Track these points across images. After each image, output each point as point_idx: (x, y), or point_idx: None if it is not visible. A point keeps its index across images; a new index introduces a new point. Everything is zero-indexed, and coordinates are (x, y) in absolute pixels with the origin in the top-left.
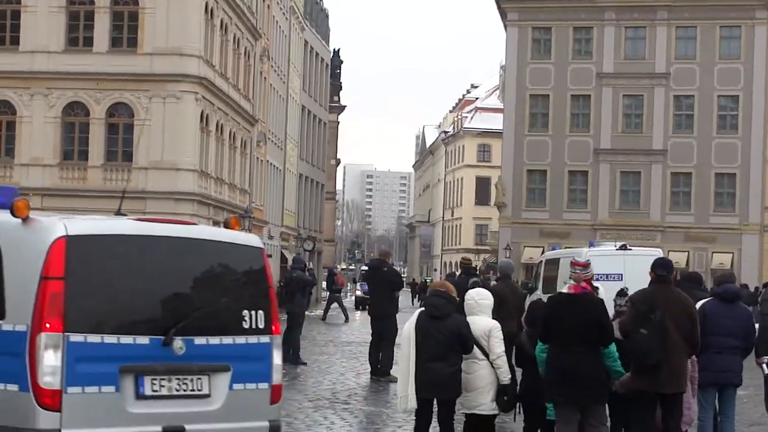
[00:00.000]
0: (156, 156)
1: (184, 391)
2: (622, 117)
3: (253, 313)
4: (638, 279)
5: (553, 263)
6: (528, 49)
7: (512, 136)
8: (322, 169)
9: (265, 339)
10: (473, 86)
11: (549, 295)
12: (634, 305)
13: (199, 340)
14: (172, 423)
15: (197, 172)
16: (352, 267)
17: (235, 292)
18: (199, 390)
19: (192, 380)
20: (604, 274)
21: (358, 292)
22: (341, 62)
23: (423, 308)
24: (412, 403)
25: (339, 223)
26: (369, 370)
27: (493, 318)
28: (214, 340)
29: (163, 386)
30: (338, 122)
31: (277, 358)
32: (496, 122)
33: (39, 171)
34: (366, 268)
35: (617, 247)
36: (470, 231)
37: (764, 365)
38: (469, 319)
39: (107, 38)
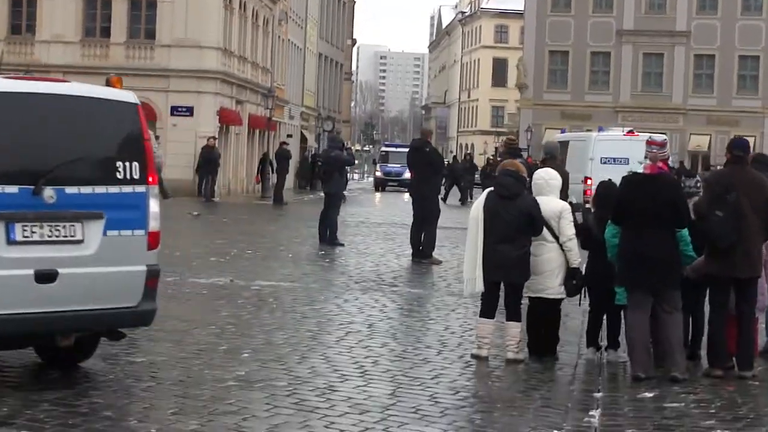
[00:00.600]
0: (180, 33)
1: (57, 237)
2: None
3: (127, 164)
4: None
5: (563, 146)
6: None
7: (534, 16)
8: (341, 49)
9: (140, 189)
10: None
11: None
12: (710, 186)
13: (71, 190)
14: (44, 266)
15: (221, 50)
16: (367, 148)
17: (108, 145)
18: (72, 236)
19: (64, 227)
20: (611, 158)
21: (378, 173)
22: None
23: (491, 188)
24: (480, 287)
25: (353, 104)
26: (410, 252)
27: None
28: (87, 190)
29: (34, 232)
30: (354, 1)
31: (153, 206)
32: (513, 2)
33: (60, 48)
34: (400, 149)
35: (624, 133)
36: (486, 113)
37: None
38: (538, 199)
39: None
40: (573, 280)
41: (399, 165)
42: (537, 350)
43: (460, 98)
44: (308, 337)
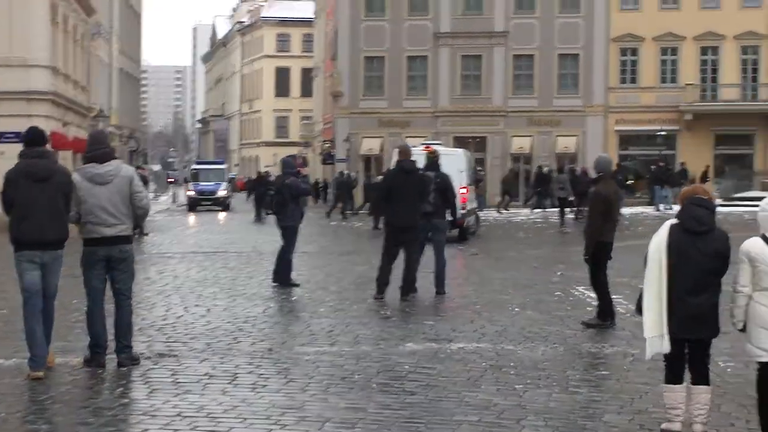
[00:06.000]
0: (4, 51)
1: None
2: None
3: None
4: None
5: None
6: None
7: (348, 21)
8: (138, 63)
9: None
10: None
11: None
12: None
13: None
14: None
15: (50, 68)
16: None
17: None
18: None
19: None
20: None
21: (191, 192)
22: None
23: (677, 220)
24: (666, 347)
25: None
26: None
27: (602, 227)
28: None
29: None
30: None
31: None
32: (295, 10)
33: None
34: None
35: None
36: (270, 123)
37: None
38: None
39: None
40: None
41: (212, 183)
42: None
43: (241, 110)
44: None
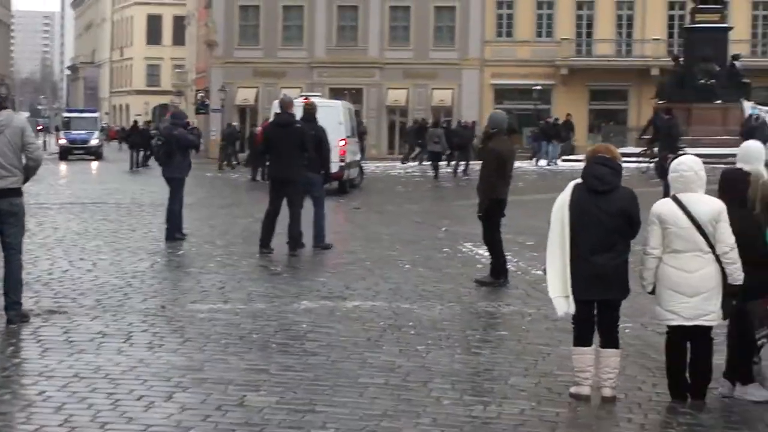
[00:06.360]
0: None
1: None
2: None
3: None
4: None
5: None
6: None
7: None
8: (8, 9)
9: None
10: None
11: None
12: None
13: None
14: None
15: None
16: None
17: None
18: None
19: None
20: None
21: (63, 141)
22: None
23: (580, 179)
24: (572, 308)
25: None
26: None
27: (495, 183)
28: None
29: None
30: None
31: None
32: None
33: None
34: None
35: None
36: (142, 72)
37: None
38: (686, 196)
39: None
40: (733, 300)
41: (85, 132)
42: (681, 394)
43: (111, 57)
44: None
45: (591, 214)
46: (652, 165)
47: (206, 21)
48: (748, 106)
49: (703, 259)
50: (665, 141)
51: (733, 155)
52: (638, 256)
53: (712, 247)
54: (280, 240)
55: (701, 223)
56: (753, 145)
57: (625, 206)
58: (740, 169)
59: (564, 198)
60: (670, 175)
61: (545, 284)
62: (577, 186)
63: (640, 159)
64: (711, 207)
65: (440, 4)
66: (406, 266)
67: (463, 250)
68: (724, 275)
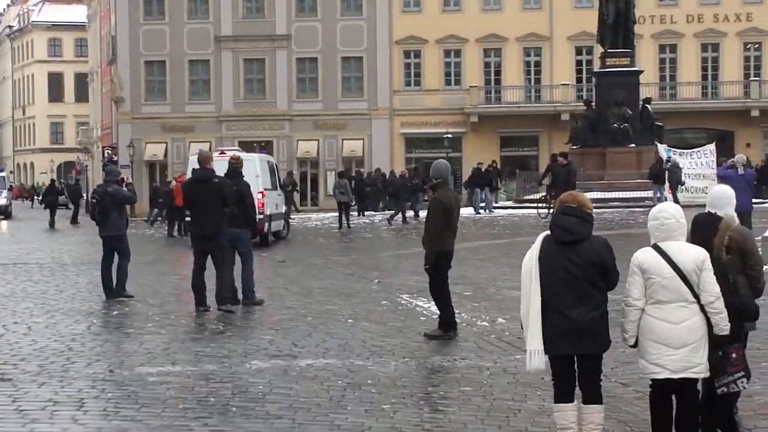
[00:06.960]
0: None
1: None
2: (243, 1)
3: None
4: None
5: None
6: None
7: (126, 25)
8: None
9: None
10: None
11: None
12: None
13: None
14: None
15: None
16: None
17: None
18: None
19: None
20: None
21: None
22: None
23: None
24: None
25: None
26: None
27: (442, 235)
28: None
29: None
30: None
31: None
32: (66, 14)
33: None
34: None
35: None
36: (45, 129)
37: None
38: (668, 245)
39: None
40: (720, 351)
41: None
42: None
43: (14, 116)
44: None
45: (560, 266)
46: (552, 211)
47: (111, 77)
48: (663, 149)
49: (688, 310)
50: (563, 187)
51: (649, 198)
52: (620, 308)
53: (697, 296)
54: (213, 296)
55: (685, 272)
56: (722, 189)
57: (596, 256)
58: (713, 214)
59: (533, 251)
60: (650, 223)
61: (494, 336)
62: (546, 238)
63: (539, 205)
64: (694, 255)
65: (347, 54)
66: (349, 321)
67: (402, 302)
68: (710, 325)
